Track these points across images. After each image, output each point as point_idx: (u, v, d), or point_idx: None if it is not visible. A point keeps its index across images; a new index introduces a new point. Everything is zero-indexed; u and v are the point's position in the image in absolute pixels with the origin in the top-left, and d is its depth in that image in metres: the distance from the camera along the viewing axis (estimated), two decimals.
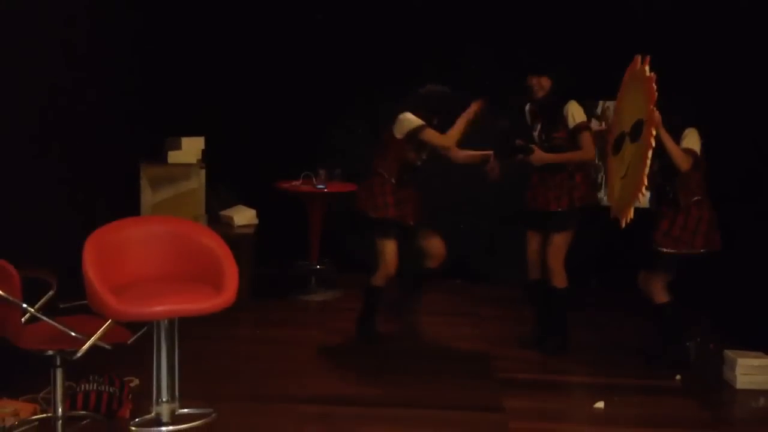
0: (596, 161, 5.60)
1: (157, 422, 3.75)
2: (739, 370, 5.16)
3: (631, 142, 5.22)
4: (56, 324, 3.54)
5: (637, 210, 4.92)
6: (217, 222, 6.76)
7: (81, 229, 3.74)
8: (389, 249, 5.59)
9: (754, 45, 6.06)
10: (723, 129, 6.16)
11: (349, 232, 7.38)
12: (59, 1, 5.19)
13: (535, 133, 5.59)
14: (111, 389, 4.41)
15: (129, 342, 3.77)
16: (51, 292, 3.86)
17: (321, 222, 6.99)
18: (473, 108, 5.54)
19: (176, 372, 3.75)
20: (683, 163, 5.14)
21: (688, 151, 5.18)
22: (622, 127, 5.34)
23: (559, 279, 5.56)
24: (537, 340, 5.73)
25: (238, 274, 3.70)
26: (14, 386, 4.37)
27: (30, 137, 4.82)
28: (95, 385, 4.40)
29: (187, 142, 6.66)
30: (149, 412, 3.81)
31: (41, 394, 4.38)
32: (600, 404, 4.84)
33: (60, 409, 3.86)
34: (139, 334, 3.79)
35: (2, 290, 3.42)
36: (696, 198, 5.26)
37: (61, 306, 3.85)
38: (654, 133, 4.91)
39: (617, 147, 5.43)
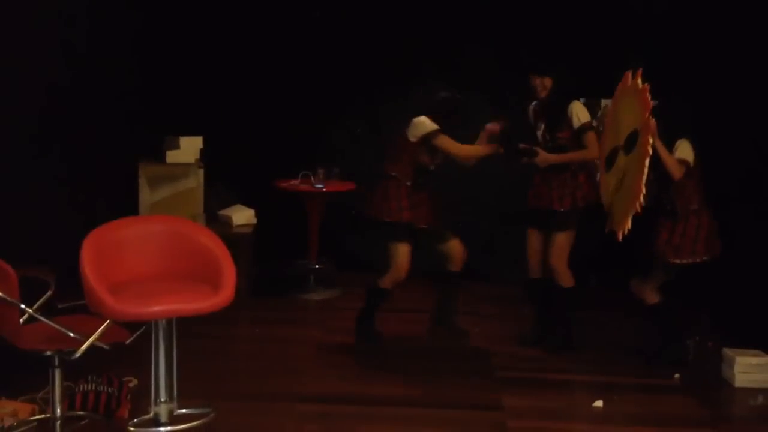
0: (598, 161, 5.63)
1: (156, 422, 3.75)
2: (737, 369, 5.16)
3: (626, 154, 5.27)
4: (55, 324, 3.53)
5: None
6: (215, 221, 6.76)
7: (79, 228, 3.74)
8: (402, 252, 5.57)
9: (754, 45, 6.05)
10: (723, 129, 6.17)
11: (349, 231, 7.41)
12: (59, 1, 5.19)
13: (539, 133, 5.58)
14: (109, 389, 4.41)
15: (127, 342, 3.77)
16: (49, 292, 3.86)
17: (320, 221, 6.99)
18: (494, 128, 5.52)
19: (174, 372, 3.74)
20: (676, 171, 5.18)
21: (681, 161, 5.22)
22: (614, 142, 5.37)
23: (565, 279, 5.56)
24: (537, 338, 5.73)
25: (236, 273, 3.70)
26: (13, 387, 4.37)
27: (29, 137, 4.82)
28: (94, 385, 4.40)
29: (185, 141, 6.66)
30: (148, 412, 3.81)
31: (40, 395, 4.37)
32: (599, 403, 4.84)
33: (58, 410, 3.86)
34: (137, 333, 3.79)
35: (0, 290, 3.42)
36: (693, 206, 5.27)
37: (60, 306, 3.85)
38: (650, 141, 4.95)
39: (610, 163, 5.45)
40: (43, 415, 4.08)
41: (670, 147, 5.22)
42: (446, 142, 5.47)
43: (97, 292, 3.40)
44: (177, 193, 6.66)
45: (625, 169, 5.28)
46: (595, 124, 5.78)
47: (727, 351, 5.30)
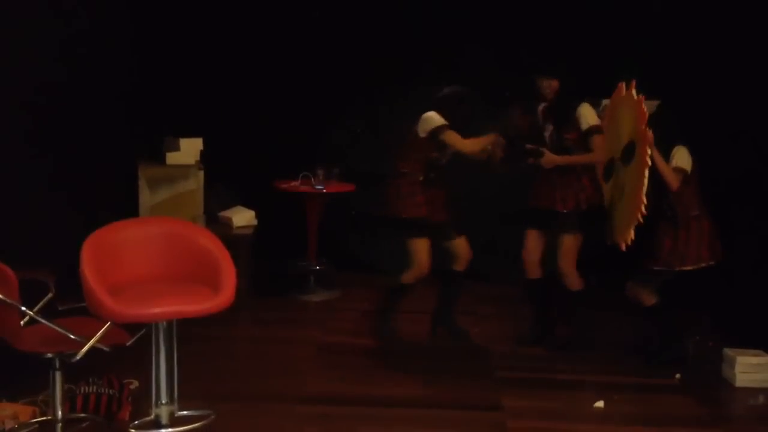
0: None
1: (157, 424, 3.76)
2: (738, 368, 5.17)
3: (624, 164, 5.32)
4: (55, 326, 3.54)
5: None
6: (215, 223, 6.76)
7: (79, 230, 3.75)
8: (421, 248, 5.59)
9: (754, 44, 6.05)
10: (721, 129, 6.17)
11: (349, 231, 7.42)
12: (58, 1, 5.19)
13: (547, 134, 5.58)
14: (110, 391, 4.41)
15: (128, 344, 3.77)
16: (49, 294, 3.87)
17: (319, 222, 6.99)
18: (499, 141, 5.54)
19: (175, 373, 3.75)
20: (673, 181, 5.20)
21: (678, 170, 5.24)
22: (610, 153, 5.46)
23: (574, 282, 5.58)
24: (536, 338, 5.74)
25: (236, 274, 3.70)
26: (13, 389, 4.37)
27: (28, 138, 4.82)
28: (95, 387, 4.40)
29: (185, 143, 6.66)
30: (148, 414, 3.82)
31: (40, 397, 4.37)
32: (600, 403, 4.84)
33: (59, 412, 3.87)
34: (137, 335, 3.79)
35: (0, 293, 3.42)
36: (694, 212, 5.28)
37: (60, 308, 3.85)
38: (649, 152, 5.04)
39: (608, 174, 5.55)
40: (44, 418, 4.08)
41: (667, 153, 5.24)
42: (452, 138, 5.49)
43: (97, 294, 3.41)
44: (177, 194, 6.66)
45: (624, 180, 5.35)
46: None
47: (728, 351, 5.31)
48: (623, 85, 5.47)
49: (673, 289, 5.41)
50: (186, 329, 3.84)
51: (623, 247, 5.21)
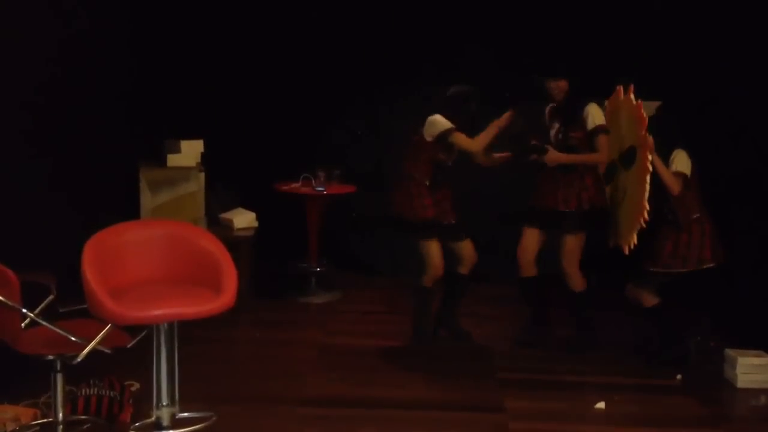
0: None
1: (158, 426, 3.76)
2: (739, 369, 5.16)
3: (624, 168, 5.35)
4: (56, 328, 3.54)
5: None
6: (216, 225, 6.76)
7: (80, 232, 3.75)
8: (433, 250, 5.60)
9: (753, 44, 6.05)
10: (720, 130, 6.17)
11: (349, 233, 7.42)
12: (58, 1, 5.19)
13: (552, 132, 5.58)
14: (112, 393, 4.41)
15: (129, 346, 3.77)
16: (51, 297, 3.86)
17: (320, 223, 6.99)
18: (505, 117, 5.53)
19: (176, 375, 3.75)
20: (674, 186, 5.21)
21: (678, 174, 5.24)
22: (611, 155, 5.51)
23: (577, 283, 5.58)
24: (533, 338, 5.73)
25: (237, 276, 3.71)
26: (15, 391, 4.37)
27: (29, 140, 4.82)
28: (96, 389, 4.40)
29: (186, 145, 6.66)
30: (150, 416, 3.82)
31: (42, 399, 4.38)
32: (601, 404, 4.83)
33: (61, 414, 3.87)
34: (138, 337, 3.79)
35: (1, 295, 3.42)
36: (695, 215, 5.28)
37: (61, 310, 3.85)
38: (650, 158, 5.09)
39: (609, 176, 5.59)
40: (45, 420, 4.09)
41: (667, 157, 5.25)
42: (461, 140, 5.51)
43: (98, 296, 3.41)
44: (178, 196, 6.66)
45: (625, 184, 5.37)
46: None
47: (729, 351, 5.30)
48: (621, 88, 5.49)
49: (673, 289, 5.40)
50: (187, 331, 3.84)
51: (626, 251, 5.32)
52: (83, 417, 4.26)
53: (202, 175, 6.75)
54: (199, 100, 7.10)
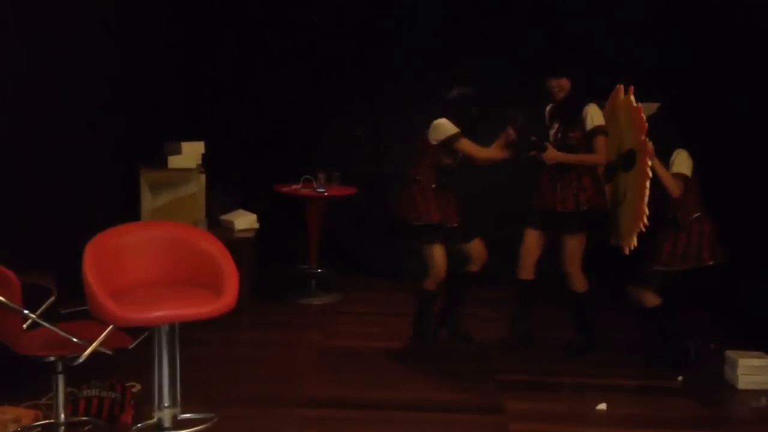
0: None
1: (159, 427, 3.77)
2: (740, 371, 5.16)
3: (624, 171, 5.36)
4: (57, 330, 3.54)
5: None
6: (217, 226, 6.76)
7: (81, 234, 3.75)
8: (437, 253, 5.61)
9: (753, 44, 6.06)
10: (720, 130, 6.18)
11: (350, 235, 7.42)
12: (57, 4, 5.19)
13: (552, 132, 5.58)
14: (113, 395, 4.41)
15: (130, 347, 3.78)
16: (52, 298, 3.87)
17: (321, 225, 6.99)
18: (510, 134, 5.53)
19: (177, 377, 3.75)
20: (675, 189, 5.23)
21: (678, 176, 5.25)
22: (610, 155, 5.52)
23: (578, 283, 5.59)
24: (527, 340, 5.74)
25: (238, 278, 3.71)
26: (16, 393, 4.37)
27: (29, 141, 4.83)
28: (97, 390, 4.40)
29: (186, 146, 6.66)
30: (151, 418, 3.82)
31: (43, 401, 4.38)
32: (602, 406, 4.83)
33: (62, 416, 3.88)
34: (140, 339, 3.80)
35: (3, 296, 3.43)
36: (695, 215, 5.29)
37: (62, 312, 3.85)
38: (650, 163, 5.11)
39: (609, 175, 5.62)
40: (46, 421, 4.09)
41: (667, 157, 5.25)
42: (467, 145, 5.52)
43: (99, 298, 3.41)
44: (178, 198, 6.66)
45: (625, 186, 5.38)
46: None
47: (730, 353, 5.30)
48: (621, 87, 5.49)
49: (673, 289, 5.41)
50: (188, 332, 3.85)
51: (627, 251, 5.34)
52: (84, 418, 4.26)
53: (203, 176, 6.75)
54: (199, 102, 7.11)
